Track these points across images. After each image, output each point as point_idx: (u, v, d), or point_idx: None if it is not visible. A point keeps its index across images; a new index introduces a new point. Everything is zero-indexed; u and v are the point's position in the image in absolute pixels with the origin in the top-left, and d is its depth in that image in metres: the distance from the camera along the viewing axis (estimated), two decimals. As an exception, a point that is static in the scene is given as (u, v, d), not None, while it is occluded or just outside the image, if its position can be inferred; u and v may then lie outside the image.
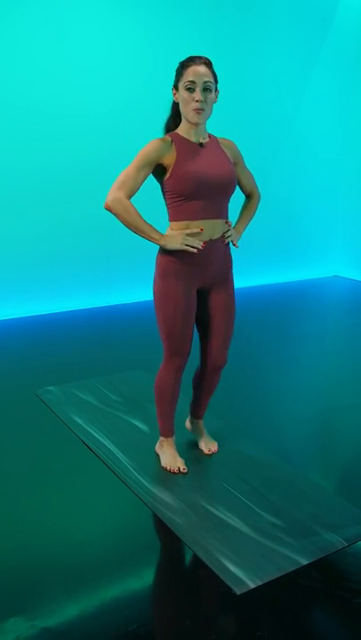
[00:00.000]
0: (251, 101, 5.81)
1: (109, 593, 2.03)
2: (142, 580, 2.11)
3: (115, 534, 2.36)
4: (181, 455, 2.81)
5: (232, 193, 2.50)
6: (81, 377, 3.83)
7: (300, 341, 4.77)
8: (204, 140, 2.45)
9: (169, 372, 2.64)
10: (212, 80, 2.34)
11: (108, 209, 2.37)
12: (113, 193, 2.35)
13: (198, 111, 2.34)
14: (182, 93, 2.35)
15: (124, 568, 2.15)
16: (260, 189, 2.74)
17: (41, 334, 4.74)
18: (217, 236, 2.48)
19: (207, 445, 2.93)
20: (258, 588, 2.04)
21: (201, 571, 2.14)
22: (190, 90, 2.33)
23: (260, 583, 2.06)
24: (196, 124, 2.39)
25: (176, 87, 2.39)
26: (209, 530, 2.34)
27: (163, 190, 2.47)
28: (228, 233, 2.52)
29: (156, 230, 2.39)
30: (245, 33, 5.67)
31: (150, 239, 2.39)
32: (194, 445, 2.97)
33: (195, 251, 2.41)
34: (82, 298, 5.40)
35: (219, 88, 2.42)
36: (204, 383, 2.82)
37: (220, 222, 2.48)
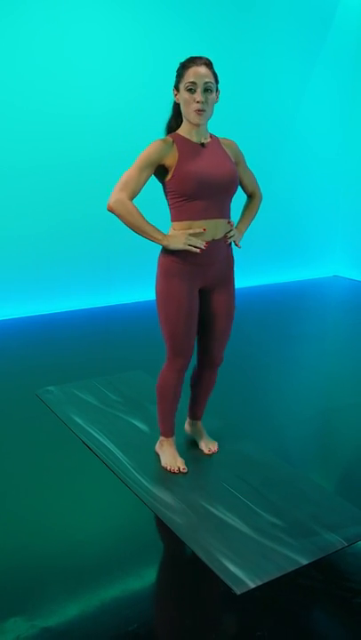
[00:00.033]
0: (251, 101, 5.81)
1: (109, 593, 2.03)
2: (142, 579, 2.11)
3: (115, 534, 2.36)
4: (181, 455, 2.81)
5: (234, 193, 2.50)
6: (81, 377, 3.83)
7: (300, 341, 4.77)
8: (206, 141, 2.45)
9: (172, 373, 2.64)
10: (212, 80, 2.34)
11: (111, 210, 2.38)
12: (115, 194, 2.36)
13: (199, 112, 2.34)
14: (183, 94, 2.35)
15: (124, 568, 2.15)
16: (260, 189, 2.74)
17: (41, 334, 4.74)
18: (219, 236, 2.49)
19: (207, 445, 2.93)
20: (258, 588, 2.04)
21: (201, 571, 2.14)
22: (191, 91, 2.33)
23: (260, 583, 2.06)
24: (198, 125, 2.40)
25: (177, 88, 2.39)
26: (209, 530, 2.34)
27: (165, 191, 2.47)
28: (231, 233, 2.52)
29: (159, 231, 2.40)
30: (245, 33, 5.67)
31: (153, 239, 2.40)
32: (194, 445, 2.97)
33: (197, 251, 2.41)
34: (82, 298, 5.40)
35: (219, 88, 2.42)
36: (201, 382, 2.83)
37: (222, 222, 2.48)
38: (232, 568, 2.12)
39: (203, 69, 2.32)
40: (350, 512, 2.48)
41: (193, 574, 2.15)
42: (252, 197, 2.71)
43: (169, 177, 2.40)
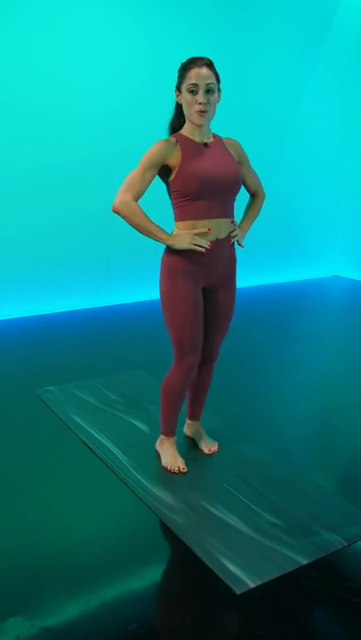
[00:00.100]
0: (251, 101, 5.81)
1: (109, 593, 2.03)
2: (142, 579, 2.11)
3: (115, 534, 2.37)
4: (181, 455, 2.81)
5: (237, 192, 2.51)
6: (81, 377, 3.83)
7: (300, 341, 4.77)
8: (209, 140, 2.45)
9: (179, 374, 2.62)
10: (214, 81, 2.34)
11: (116, 212, 2.38)
12: (120, 196, 2.37)
13: (201, 113, 2.35)
14: (185, 95, 2.35)
15: (123, 568, 2.15)
16: (263, 188, 2.74)
17: (41, 334, 4.75)
18: (223, 235, 2.49)
19: (207, 446, 2.93)
20: (258, 588, 2.04)
21: (201, 570, 2.14)
22: (193, 92, 2.33)
23: (259, 583, 2.06)
24: (200, 126, 2.40)
25: (179, 89, 2.39)
26: (209, 530, 2.34)
27: (168, 191, 2.48)
28: (235, 232, 2.53)
29: (164, 230, 2.41)
30: (245, 33, 5.67)
31: (158, 239, 2.41)
32: (194, 445, 2.98)
33: (202, 250, 2.41)
34: (82, 298, 5.40)
35: (221, 87, 2.43)
36: (199, 378, 2.83)
37: (225, 222, 2.49)
38: (232, 568, 2.12)
39: (204, 70, 2.32)
40: (350, 512, 2.48)
41: (193, 574, 2.15)
42: (255, 196, 2.72)
43: (172, 177, 2.40)
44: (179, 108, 2.47)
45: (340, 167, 6.74)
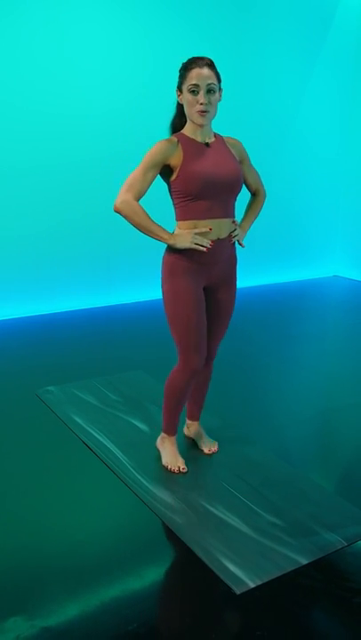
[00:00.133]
0: (251, 101, 5.81)
1: (109, 592, 2.03)
2: (142, 579, 2.11)
3: (115, 534, 2.37)
4: (181, 455, 2.81)
5: (238, 192, 2.51)
6: (81, 377, 3.84)
7: (300, 341, 4.77)
8: (210, 140, 2.46)
9: (184, 374, 2.60)
10: (215, 81, 2.35)
11: (118, 211, 2.39)
12: (121, 195, 2.37)
13: (202, 113, 2.35)
14: (186, 96, 2.36)
15: (123, 568, 2.15)
16: (264, 187, 2.75)
17: (41, 334, 4.75)
18: (224, 235, 2.49)
19: (207, 446, 2.93)
20: (258, 588, 2.04)
21: (201, 570, 2.14)
22: (194, 93, 2.33)
23: (259, 583, 2.06)
24: (202, 126, 2.40)
25: (180, 89, 2.40)
26: (209, 529, 2.34)
27: (170, 190, 2.48)
28: (235, 232, 2.53)
29: (166, 230, 2.41)
30: (245, 33, 5.67)
31: (160, 239, 2.41)
32: (194, 445, 2.98)
33: (204, 249, 2.42)
34: (82, 298, 5.40)
35: (221, 87, 2.43)
36: (199, 377, 2.82)
37: (227, 221, 2.49)
38: (232, 568, 2.13)
39: (205, 71, 2.32)
40: (350, 512, 2.48)
41: (193, 574, 2.15)
42: (256, 195, 2.72)
43: (174, 177, 2.40)
44: (180, 107, 2.47)
45: (340, 167, 6.74)
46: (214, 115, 2.41)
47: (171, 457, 2.77)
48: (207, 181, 2.37)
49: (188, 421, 3.00)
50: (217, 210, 2.44)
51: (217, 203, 2.43)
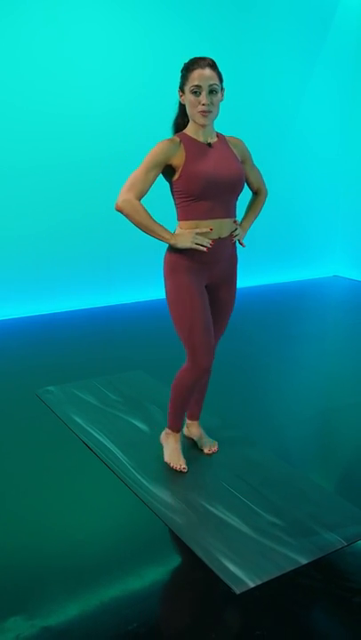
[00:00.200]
0: (251, 101, 5.81)
1: (109, 592, 2.03)
2: (142, 579, 2.11)
3: (115, 534, 2.37)
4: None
5: (240, 192, 2.51)
6: (81, 377, 3.84)
7: (300, 341, 4.77)
8: (213, 140, 2.46)
9: (193, 373, 2.57)
10: (217, 82, 2.35)
11: (119, 210, 2.39)
12: (123, 195, 2.37)
13: (205, 113, 2.35)
14: (188, 96, 2.36)
15: (123, 567, 2.15)
16: (266, 186, 2.75)
17: (41, 334, 4.75)
18: (225, 234, 2.50)
19: (207, 446, 2.93)
20: (257, 588, 2.04)
21: (200, 570, 2.14)
22: (196, 93, 2.34)
23: (259, 582, 2.06)
24: (204, 126, 2.40)
25: (182, 89, 2.40)
26: (209, 529, 2.34)
27: (172, 190, 2.48)
28: (237, 232, 2.53)
29: (167, 230, 2.41)
30: (245, 33, 5.67)
31: (161, 238, 2.41)
32: (194, 445, 2.98)
33: (204, 249, 2.42)
34: (82, 298, 5.40)
35: (223, 87, 2.43)
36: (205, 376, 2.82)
37: (228, 221, 2.49)
38: (232, 567, 2.13)
39: (207, 71, 2.32)
40: (350, 512, 2.48)
41: (193, 574, 2.15)
42: (258, 194, 2.73)
43: (176, 177, 2.41)
44: (182, 107, 2.47)
45: (340, 167, 6.75)
46: (216, 115, 2.41)
47: (174, 455, 2.77)
48: (209, 182, 2.38)
49: (188, 421, 3.00)
50: (219, 210, 2.45)
51: (219, 203, 2.43)
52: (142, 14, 5.06)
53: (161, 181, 2.47)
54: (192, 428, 2.99)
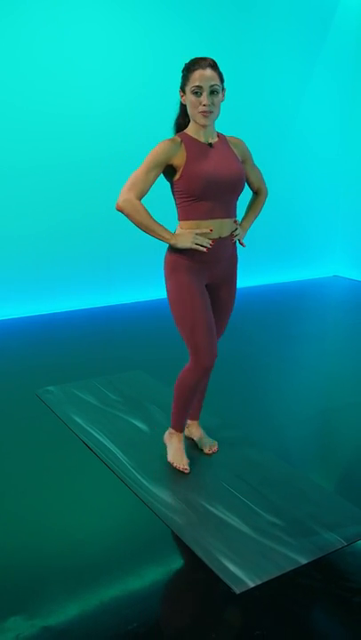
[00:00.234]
0: (251, 101, 5.82)
1: (109, 592, 2.03)
2: (142, 579, 2.11)
3: (114, 534, 2.37)
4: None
5: (241, 192, 2.52)
6: (81, 377, 3.84)
7: (300, 341, 4.77)
8: (213, 140, 2.46)
9: (195, 373, 2.57)
10: (218, 82, 2.35)
11: (120, 210, 2.39)
12: (124, 194, 2.37)
13: (206, 114, 2.36)
14: (189, 97, 2.36)
15: (123, 567, 2.15)
16: (266, 186, 2.75)
17: (41, 334, 4.75)
18: (226, 234, 2.50)
19: (207, 445, 2.93)
20: (257, 588, 2.04)
21: (200, 570, 2.14)
22: (197, 94, 2.34)
23: (259, 582, 2.06)
24: (205, 127, 2.40)
25: (183, 90, 2.40)
26: (209, 529, 2.34)
27: (172, 190, 2.49)
28: (237, 232, 2.54)
29: (167, 230, 2.42)
30: (245, 33, 5.68)
31: (161, 238, 2.42)
32: (194, 445, 2.98)
33: (204, 250, 2.42)
34: (82, 298, 5.40)
35: (224, 87, 2.43)
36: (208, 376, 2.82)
37: (228, 221, 2.50)
38: (232, 567, 2.13)
39: (208, 72, 2.32)
40: (350, 511, 2.48)
41: (192, 574, 2.15)
42: (258, 194, 2.73)
43: (177, 177, 2.41)
44: (183, 107, 2.47)
45: (340, 167, 6.75)
46: (217, 115, 2.42)
47: (178, 455, 2.76)
48: (210, 182, 2.38)
49: (188, 421, 3.00)
50: (219, 210, 2.45)
51: (219, 203, 2.44)
52: (142, 14, 5.06)
53: (161, 181, 2.47)
54: (192, 428, 2.99)
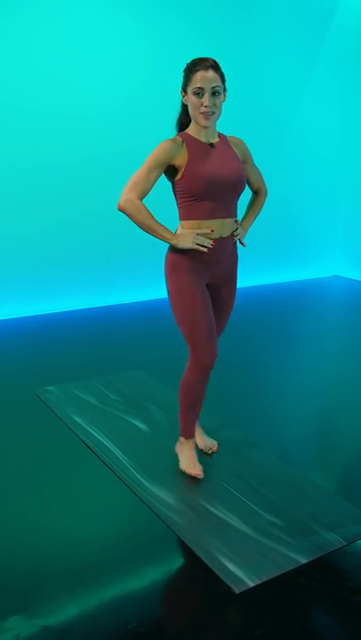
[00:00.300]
0: (251, 101, 5.82)
1: (109, 592, 2.03)
2: (141, 579, 2.11)
3: (114, 534, 2.37)
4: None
5: (242, 192, 2.52)
6: (81, 377, 3.84)
7: (300, 341, 4.77)
8: (215, 140, 2.47)
9: (195, 372, 2.58)
10: (220, 84, 2.35)
11: (121, 210, 2.39)
12: (125, 194, 2.38)
13: (207, 116, 2.36)
14: (191, 98, 2.36)
15: (123, 567, 2.15)
16: (266, 185, 2.75)
17: (41, 334, 4.75)
18: (227, 234, 2.51)
19: (207, 445, 2.93)
20: (257, 587, 2.04)
21: (200, 570, 2.14)
22: (199, 95, 2.34)
23: (259, 582, 2.06)
24: (206, 127, 2.41)
25: (184, 90, 2.40)
26: (208, 529, 2.34)
27: (174, 190, 2.49)
28: (238, 232, 2.54)
29: (168, 230, 2.42)
30: (245, 33, 5.68)
31: (163, 238, 2.42)
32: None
33: (205, 250, 2.42)
34: (82, 298, 5.41)
35: (226, 87, 2.43)
36: (209, 375, 2.81)
37: (229, 221, 2.50)
38: (231, 567, 2.13)
39: (210, 73, 2.32)
40: (349, 511, 2.48)
41: (192, 573, 2.15)
42: (258, 194, 2.73)
43: (178, 177, 2.41)
44: (185, 106, 2.47)
45: (340, 167, 6.75)
46: (219, 116, 2.42)
47: (190, 462, 2.72)
48: (211, 182, 2.38)
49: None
50: (220, 210, 2.45)
51: (220, 203, 2.44)
52: (142, 14, 5.06)
53: (162, 181, 2.48)
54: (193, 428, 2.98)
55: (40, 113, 4.80)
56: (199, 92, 2.33)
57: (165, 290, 2.57)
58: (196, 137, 2.44)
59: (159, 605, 2.05)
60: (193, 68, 2.35)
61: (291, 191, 6.38)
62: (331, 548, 2.25)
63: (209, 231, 2.43)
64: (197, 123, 2.41)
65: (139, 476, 2.69)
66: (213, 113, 2.37)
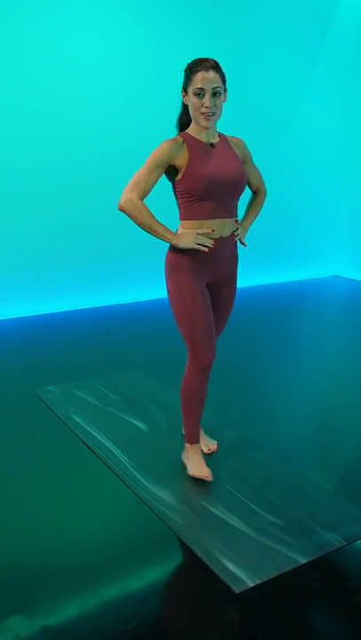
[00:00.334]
0: (251, 101, 5.82)
1: (109, 592, 2.04)
2: (141, 578, 2.11)
3: (114, 534, 2.37)
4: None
5: (242, 192, 2.52)
6: (81, 377, 3.84)
7: (300, 341, 4.77)
8: (215, 140, 2.47)
9: (194, 372, 2.58)
10: (220, 84, 2.35)
11: (122, 210, 2.39)
12: (126, 194, 2.38)
13: (207, 116, 2.36)
14: (191, 98, 2.36)
15: (123, 567, 2.15)
16: (265, 185, 2.75)
17: (41, 334, 4.75)
18: (227, 234, 2.51)
19: (207, 445, 2.93)
20: (257, 587, 2.04)
21: (200, 570, 2.14)
22: (199, 96, 2.34)
23: (258, 582, 2.06)
24: (207, 128, 2.41)
25: (185, 90, 2.40)
26: (208, 529, 2.34)
27: (174, 190, 2.49)
28: (238, 232, 2.54)
29: (169, 230, 2.42)
30: (245, 33, 5.68)
31: (163, 238, 2.42)
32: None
33: (206, 250, 2.42)
34: (82, 298, 5.41)
35: (226, 87, 2.43)
36: (208, 376, 2.81)
37: (230, 221, 2.50)
38: (231, 567, 2.13)
39: (211, 74, 2.32)
40: (349, 511, 2.48)
41: (192, 573, 2.15)
42: (257, 194, 2.74)
43: (179, 177, 2.41)
44: (185, 106, 2.47)
45: (340, 167, 6.75)
46: (219, 116, 2.42)
47: (198, 467, 2.68)
48: (212, 182, 2.38)
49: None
50: (221, 210, 2.45)
51: (221, 203, 2.44)
52: (142, 14, 5.06)
53: (163, 181, 2.48)
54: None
55: (40, 113, 4.80)
56: (200, 93, 2.33)
57: (165, 290, 2.57)
58: (197, 137, 2.44)
59: (159, 605, 2.05)
60: (194, 68, 2.35)
61: (291, 191, 6.38)
62: (331, 547, 2.25)
63: (209, 231, 2.44)
64: (198, 123, 2.41)
65: (139, 476, 2.69)
66: (214, 114, 2.37)
